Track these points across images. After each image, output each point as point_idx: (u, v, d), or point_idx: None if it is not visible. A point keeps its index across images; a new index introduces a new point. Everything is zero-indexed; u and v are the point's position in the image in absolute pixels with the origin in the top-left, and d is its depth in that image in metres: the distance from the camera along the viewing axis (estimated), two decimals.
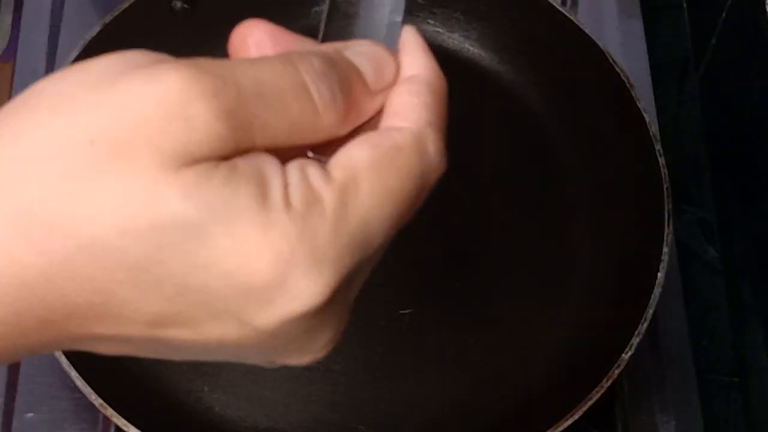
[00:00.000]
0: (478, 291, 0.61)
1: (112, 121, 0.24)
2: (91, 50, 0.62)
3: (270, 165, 0.25)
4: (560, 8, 0.64)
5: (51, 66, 0.71)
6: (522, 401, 0.57)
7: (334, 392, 0.58)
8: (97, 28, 0.63)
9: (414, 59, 0.29)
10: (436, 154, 0.28)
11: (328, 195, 0.25)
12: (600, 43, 0.62)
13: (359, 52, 0.28)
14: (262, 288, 0.24)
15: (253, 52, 0.30)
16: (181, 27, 0.66)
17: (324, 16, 0.31)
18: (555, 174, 0.65)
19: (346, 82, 0.27)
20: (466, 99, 0.67)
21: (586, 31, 0.63)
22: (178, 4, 0.65)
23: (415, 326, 0.60)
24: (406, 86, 0.29)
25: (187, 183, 0.24)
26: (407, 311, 0.60)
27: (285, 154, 0.26)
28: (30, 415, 0.59)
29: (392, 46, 0.30)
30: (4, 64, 0.72)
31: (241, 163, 0.25)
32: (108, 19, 0.63)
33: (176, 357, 0.28)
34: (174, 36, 0.66)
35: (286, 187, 0.25)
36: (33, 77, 0.70)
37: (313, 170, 0.25)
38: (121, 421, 0.51)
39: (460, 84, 0.71)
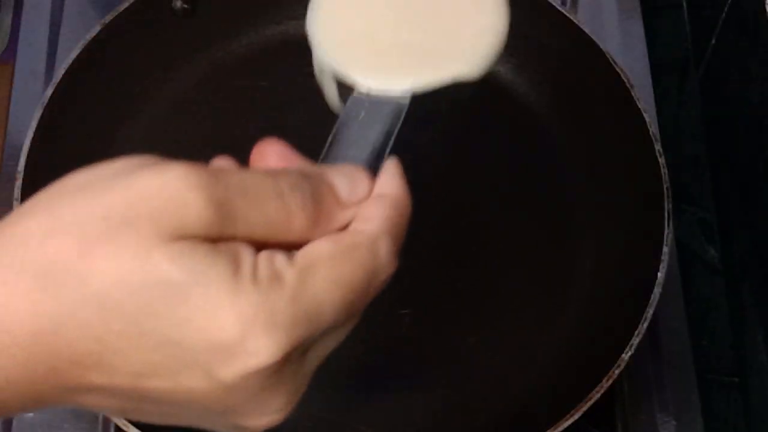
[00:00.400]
0: (478, 291, 0.61)
1: (123, 201, 0.30)
2: (91, 50, 0.62)
3: (245, 249, 0.30)
4: (560, 8, 0.64)
5: (51, 66, 0.71)
6: (522, 401, 0.57)
7: (335, 392, 0.58)
8: (97, 28, 0.63)
9: (389, 181, 0.36)
10: (387, 257, 0.34)
11: (289, 275, 0.30)
12: (600, 43, 0.62)
13: (339, 172, 0.35)
14: (227, 344, 0.29)
15: (266, 164, 0.36)
16: (181, 27, 0.66)
17: (328, 141, 0.38)
18: (554, 174, 0.65)
19: (318, 194, 0.33)
20: (465, 99, 0.67)
21: (586, 31, 0.63)
22: (178, 4, 0.65)
23: (415, 326, 0.60)
24: (375, 200, 0.35)
25: (176, 251, 0.29)
26: (407, 311, 0.60)
27: (263, 248, 0.31)
28: (30, 415, 0.59)
29: (378, 166, 0.37)
30: (4, 64, 0.72)
31: (222, 244, 0.30)
32: (108, 19, 0.63)
33: (152, 416, 0.32)
34: (174, 36, 0.66)
35: (255, 266, 0.30)
36: (33, 77, 0.70)
37: (279, 256, 0.31)
38: (121, 421, 0.51)
39: (459, 84, 0.71)
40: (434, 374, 0.58)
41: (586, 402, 0.51)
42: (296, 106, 0.67)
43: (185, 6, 0.66)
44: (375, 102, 0.40)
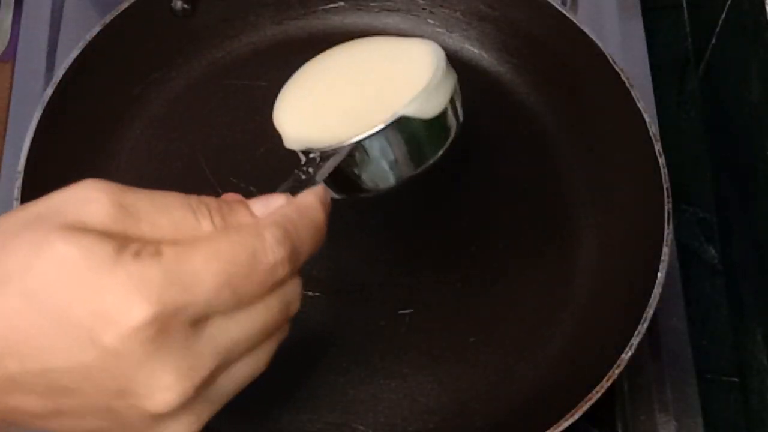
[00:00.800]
0: (478, 291, 0.61)
1: (42, 205, 0.34)
2: (91, 50, 0.62)
3: (137, 240, 0.33)
4: (560, 8, 0.64)
5: (51, 66, 0.71)
6: (522, 401, 0.57)
7: (334, 392, 0.58)
8: (97, 28, 0.63)
9: (312, 194, 0.39)
10: (272, 240, 0.35)
11: (168, 250, 0.33)
12: (600, 43, 0.62)
13: (258, 199, 0.38)
14: (107, 310, 0.32)
15: None
16: (181, 27, 0.66)
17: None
18: (554, 174, 0.65)
19: (229, 211, 0.36)
20: (465, 99, 0.67)
21: (586, 31, 0.63)
22: (178, 4, 0.65)
23: (415, 326, 0.60)
24: (289, 203, 0.38)
25: (71, 235, 0.32)
26: (407, 311, 0.60)
27: None
28: None
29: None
30: (4, 64, 0.72)
31: (117, 235, 0.33)
32: (108, 19, 0.63)
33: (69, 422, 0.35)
34: (174, 36, 0.66)
35: (140, 247, 0.33)
36: (33, 77, 0.70)
37: (165, 241, 0.34)
38: None
39: (459, 84, 0.71)
40: (434, 374, 0.58)
41: (586, 402, 0.51)
42: None
43: (185, 6, 0.66)
44: (323, 158, 0.46)
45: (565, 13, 0.63)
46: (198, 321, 0.34)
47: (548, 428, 0.51)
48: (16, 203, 0.57)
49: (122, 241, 0.33)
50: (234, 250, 0.34)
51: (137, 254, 0.33)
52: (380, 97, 0.50)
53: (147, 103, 0.66)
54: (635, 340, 0.53)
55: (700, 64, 0.74)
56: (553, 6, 0.64)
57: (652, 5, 0.75)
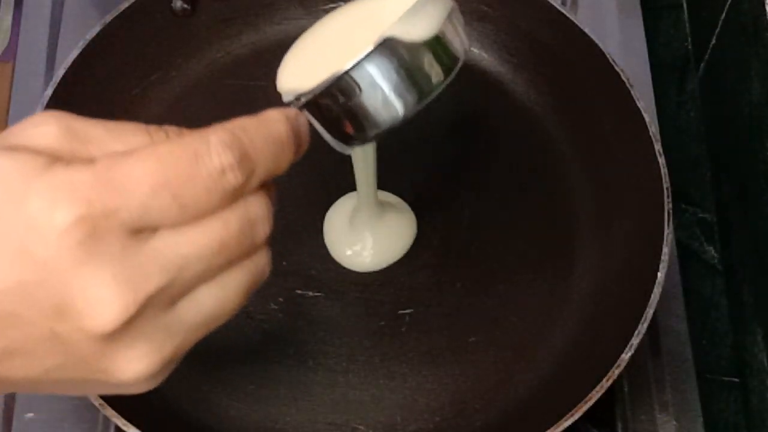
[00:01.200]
0: (478, 291, 0.61)
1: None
2: (91, 50, 0.62)
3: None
4: (560, 8, 0.64)
5: (51, 66, 0.71)
6: (522, 401, 0.57)
7: (334, 392, 0.58)
8: (97, 28, 0.63)
9: (276, 109, 0.35)
10: (217, 144, 0.32)
11: (103, 156, 0.31)
12: (600, 43, 0.62)
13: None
14: (36, 217, 0.30)
15: None
16: (181, 27, 0.66)
17: None
18: (555, 174, 0.65)
19: (187, 130, 0.34)
20: (465, 99, 0.67)
21: (586, 31, 0.63)
22: (178, 4, 0.65)
23: (415, 326, 0.60)
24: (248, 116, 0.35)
25: (8, 150, 0.31)
26: (407, 311, 0.60)
27: None
28: (30, 415, 0.59)
29: None
30: (4, 64, 0.72)
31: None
32: (108, 19, 0.63)
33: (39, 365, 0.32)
34: (174, 36, 0.66)
35: (74, 151, 0.32)
36: (33, 77, 0.70)
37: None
38: (121, 421, 0.51)
39: (459, 84, 0.71)
40: (434, 374, 0.58)
41: (586, 402, 0.51)
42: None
43: (185, 6, 0.66)
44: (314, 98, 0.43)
45: (565, 13, 0.63)
46: (139, 230, 0.31)
47: (548, 428, 0.51)
48: None
49: (56, 154, 0.31)
50: (173, 151, 0.32)
51: (68, 162, 0.31)
52: (369, 30, 0.47)
53: (147, 103, 0.66)
54: (635, 340, 0.53)
55: (700, 64, 0.74)
56: (553, 6, 0.64)
57: (652, 5, 0.75)
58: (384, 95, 0.44)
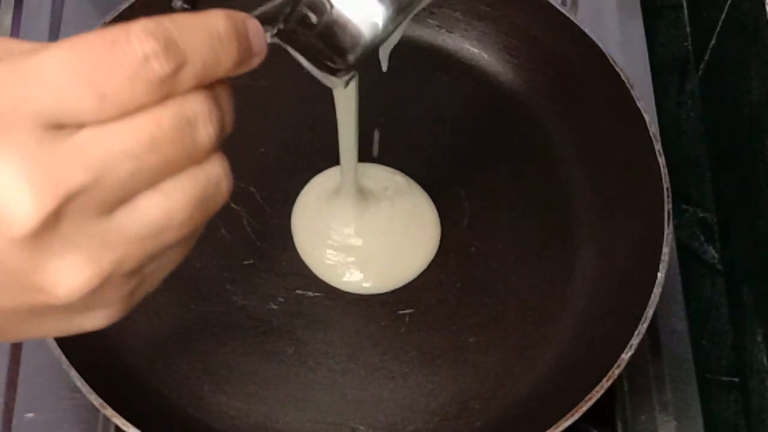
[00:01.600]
0: (478, 291, 0.61)
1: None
2: None
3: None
4: (560, 8, 0.64)
5: None
6: (522, 401, 0.57)
7: (334, 392, 0.58)
8: (97, 29, 0.63)
9: (220, 11, 0.31)
10: (138, 31, 0.30)
11: (7, 55, 0.29)
12: (600, 43, 0.62)
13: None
14: None
15: None
16: None
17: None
18: (554, 173, 0.65)
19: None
20: (465, 99, 0.67)
21: (586, 31, 0.63)
22: (178, 4, 0.65)
23: (415, 326, 0.60)
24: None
25: None
26: (407, 311, 0.60)
27: None
28: (30, 415, 0.59)
29: None
30: None
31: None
32: (108, 19, 0.63)
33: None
34: None
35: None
36: None
37: None
38: (120, 421, 0.51)
39: (459, 84, 0.71)
40: (435, 374, 0.58)
41: (586, 402, 0.51)
42: (296, 106, 0.67)
43: (185, 6, 0.66)
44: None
45: (565, 13, 0.63)
46: (57, 125, 0.28)
47: (548, 428, 0.51)
48: None
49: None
50: (88, 40, 0.29)
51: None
52: None
53: None
54: (635, 340, 0.53)
55: (700, 64, 0.74)
56: (553, 6, 0.64)
57: (652, 5, 0.75)
58: (359, 6, 0.41)
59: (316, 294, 0.61)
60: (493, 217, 0.64)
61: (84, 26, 0.66)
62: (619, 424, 0.60)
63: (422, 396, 0.58)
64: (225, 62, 0.31)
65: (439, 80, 0.67)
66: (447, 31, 0.68)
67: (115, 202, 0.29)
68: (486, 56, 0.68)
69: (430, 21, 0.68)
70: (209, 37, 0.31)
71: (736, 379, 0.65)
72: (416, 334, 0.60)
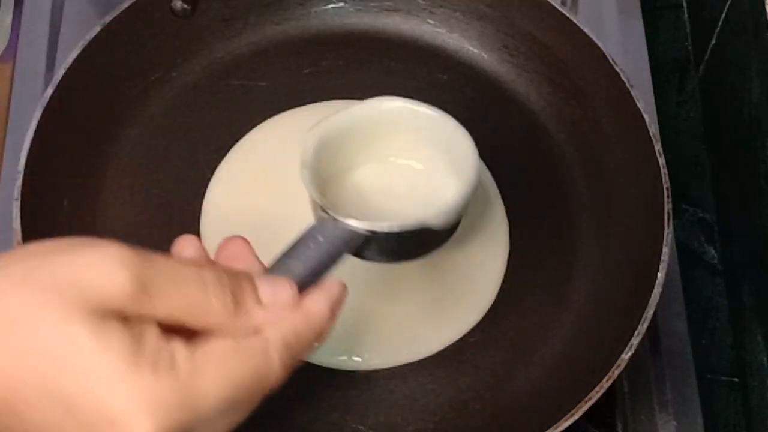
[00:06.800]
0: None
1: (63, 271, 0.34)
2: (91, 50, 0.62)
3: (150, 330, 0.34)
4: (560, 8, 0.64)
5: (51, 66, 0.71)
6: (522, 401, 0.57)
7: (334, 392, 0.58)
8: (97, 28, 0.63)
9: (316, 296, 0.40)
10: (277, 365, 0.37)
11: (184, 365, 0.34)
12: (600, 43, 0.62)
13: (268, 278, 0.40)
14: (116, 417, 0.33)
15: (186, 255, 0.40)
16: (181, 27, 0.66)
17: (281, 251, 0.44)
18: (554, 174, 0.65)
19: (239, 290, 0.37)
20: (465, 99, 0.67)
21: (586, 31, 0.63)
22: (178, 4, 0.65)
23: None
24: (293, 307, 0.39)
25: (92, 322, 0.33)
26: None
27: (178, 329, 0.35)
28: None
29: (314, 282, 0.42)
30: (4, 64, 0.72)
31: (132, 322, 0.34)
32: (108, 19, 0.63)
33: None
34: (174, 36, 0.66)
35: (157, 351, 0.34)
36: (33, 77, 0.70)
37: (180, 345, 0.35)
38: None
39: (459, 84, 0.71)
40: (434, 374, 0.58)
41: (586, 402, 0.51)
42: (296, 107, 0.67)
43: (185, 6, 0.66)
44: (339, 228, 0.47)
45: (565, 13, 0.63)
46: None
47: (548, 428, 0.51)
48: (16, 203, 0.57)
49: (138, 340, 0.33)
50: (244, 375, 0.36)
51: (155, 366, 0.33)
52: (413, 189, 0.54)
53: (147, 103, 0.66)
54: (635, 340, 0.53)
55: (700, 64, 0.74)
56: (553, 6, 0.64)
57: (652, 5, 0.76)
58: (385, 252, 0.51)
59: None
60: None
61: (84, 26, 0.66)
62: (619, 424, 0.60)
63: (422, 396, 0.58)
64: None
65: (439, 80, 0.67)
66: (447, 31, 0.68)
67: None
68: (486, 56, 0.68)
69: (430, 21, 0.68)
70: (318, 339, 0.40)
71: (736, 379, 0.65)
72: None
